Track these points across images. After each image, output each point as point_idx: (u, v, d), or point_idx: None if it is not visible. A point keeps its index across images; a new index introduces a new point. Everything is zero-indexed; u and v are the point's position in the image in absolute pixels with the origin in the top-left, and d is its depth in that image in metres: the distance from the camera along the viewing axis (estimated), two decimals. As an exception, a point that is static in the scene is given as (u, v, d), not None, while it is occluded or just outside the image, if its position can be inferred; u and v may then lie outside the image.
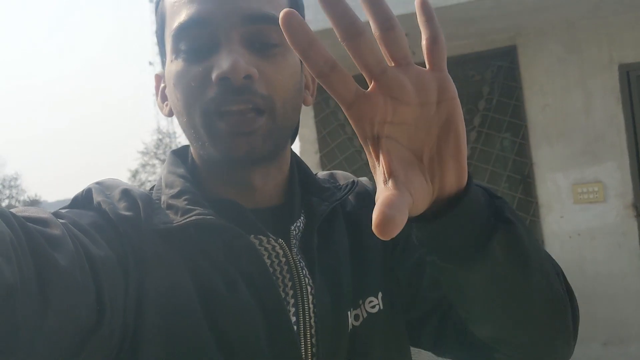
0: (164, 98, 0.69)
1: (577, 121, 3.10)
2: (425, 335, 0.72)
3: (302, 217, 0.69)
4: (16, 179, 28.69)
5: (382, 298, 0.69)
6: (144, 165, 25.62)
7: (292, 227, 0.66)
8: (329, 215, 0.70)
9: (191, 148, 0.69)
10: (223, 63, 0.57)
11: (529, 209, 3.26)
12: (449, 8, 2.55)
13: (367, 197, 0.78)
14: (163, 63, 0.67)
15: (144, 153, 27.90)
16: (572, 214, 3.14)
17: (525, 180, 3.27)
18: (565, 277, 0.62)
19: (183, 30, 0.60)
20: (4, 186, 27.56)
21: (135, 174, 24.97)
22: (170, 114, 0.67)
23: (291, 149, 0.73)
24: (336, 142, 3.63)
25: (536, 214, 3.23)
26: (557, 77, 3.12)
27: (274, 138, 0.61)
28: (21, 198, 27.42)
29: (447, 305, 0.68)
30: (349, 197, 0.73)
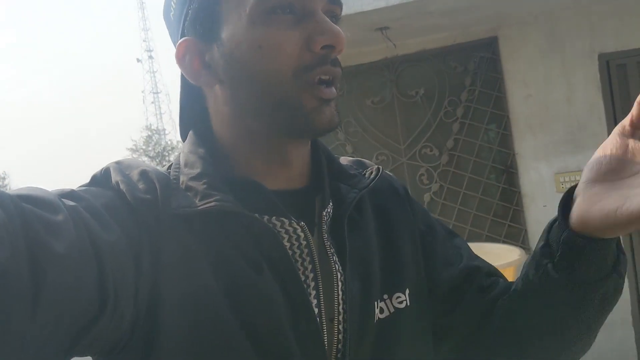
0: (206, 66, 0.62)
1: (559, 111, 3.15)
2: (454, 326, 0.74)
3: (330, 203, 0.68)
4: (4, 178, 28.42)
5: (410, 294, 0.70)
6: (133, 163, 25.28)
7: (324, 213, 0.66)
8: (358, 203, 0.69)
9: (240, 122, 0.63)
10: (330, 30, 0.57)
11: (513, 199, 3.32)
12: (431, 0, 2.58)
13: (391, 189, 0.78)
14: (206, 30, 0.61)
15: (133, 150, 27.68)
16: (556, 202, 3.14)
17: (508, 171, 3.33)
18: None
19: None
20: (-9, 186, 27.27)
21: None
22: (210, 84, 0.63)
23: None
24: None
25: (520, 203, 3.29)
26: (538, 68, 3.17)
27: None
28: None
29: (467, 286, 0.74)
30: (375, 186, 0.72)
